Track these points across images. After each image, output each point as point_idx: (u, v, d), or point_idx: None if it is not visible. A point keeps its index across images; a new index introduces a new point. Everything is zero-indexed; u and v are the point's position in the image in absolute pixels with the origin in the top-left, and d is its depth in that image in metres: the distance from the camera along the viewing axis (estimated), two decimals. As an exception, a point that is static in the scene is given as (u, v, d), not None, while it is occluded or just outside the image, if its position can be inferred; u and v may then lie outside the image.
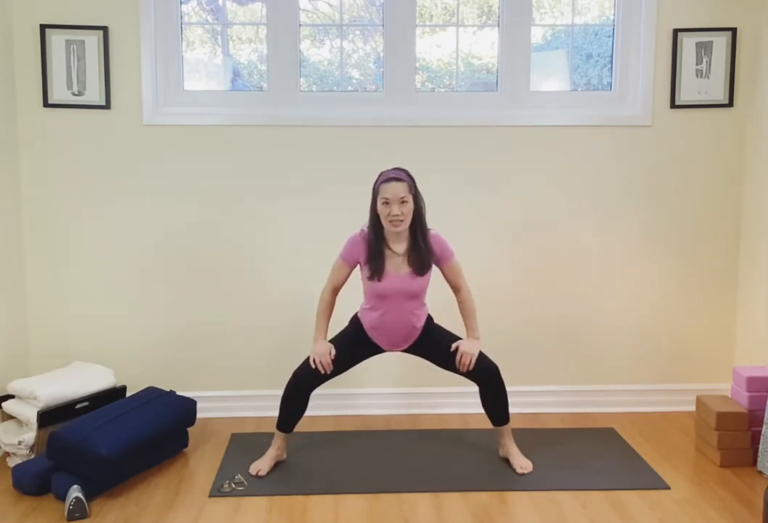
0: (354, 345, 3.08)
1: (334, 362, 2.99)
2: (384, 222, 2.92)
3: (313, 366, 2.97)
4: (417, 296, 3.03)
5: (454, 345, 3.03)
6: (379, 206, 2.91)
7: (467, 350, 3.00)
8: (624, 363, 3.76)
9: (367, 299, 3.06)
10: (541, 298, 3.72)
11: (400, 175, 2.92)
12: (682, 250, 3.71)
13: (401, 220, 2.89)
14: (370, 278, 2.96)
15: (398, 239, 2.98)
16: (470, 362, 2.98)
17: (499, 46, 3.66)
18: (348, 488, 2.92)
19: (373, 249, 2.95)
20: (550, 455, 3.21)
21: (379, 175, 2.97)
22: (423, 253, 2.97)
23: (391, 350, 3.11)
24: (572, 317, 3.73)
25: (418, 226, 2.97)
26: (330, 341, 3.05)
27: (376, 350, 3.10)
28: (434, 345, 3.08)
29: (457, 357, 3.00)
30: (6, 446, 3.09)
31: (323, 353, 2.98)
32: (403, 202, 2.88)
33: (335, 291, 3.06)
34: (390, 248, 2.97)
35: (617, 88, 3.68)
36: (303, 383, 3.02)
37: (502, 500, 2.84)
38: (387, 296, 2.98)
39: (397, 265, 2.97)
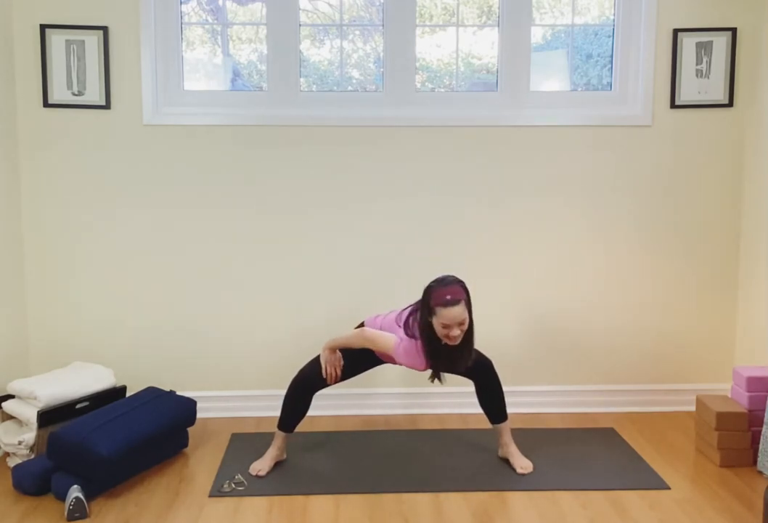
0: (358, 358, 3.07)
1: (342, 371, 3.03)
2: (441, 337, 2.81)
3: (325, 375, 2.99)
4: None
5: None
6: (438, 327, 2.77)
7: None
8: (624, 363, 3.76)
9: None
10: (541, 298, 3.71)
11: (458, 294, 2.77)
12: (682, 250, 3.71)
13: (458, 339, 2.81)
14: (431, 378, 2.96)
15: None
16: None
17: (499, 46, 3.66)
18: (348, 488, 2.92)
19: (436, 360, 2.87)
20: (550, 455, 3.21)
21: (434, 288, 2.80)
22: (461, 360, 2.91)
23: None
24: (572, 317, 3.73)
25: (467, 336, 2.86)
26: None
27: (379, 362, 3.11)
28: None
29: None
30: (6, 446, 3.09)
31: (337, 365, 3.00)
32: (461, 324, 2.78)
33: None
34: None
35: (617, 88, 3.68)
36: (308, 384, 3.03)
37: (502, 500, 2.84)
38: None
39: None
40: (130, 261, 3.60)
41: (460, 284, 2.83)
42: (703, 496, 2.87)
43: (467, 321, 2.81)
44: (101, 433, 2.85)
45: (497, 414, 3.12)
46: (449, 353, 2.87)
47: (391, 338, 2.89)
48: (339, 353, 3.02)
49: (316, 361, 3.03)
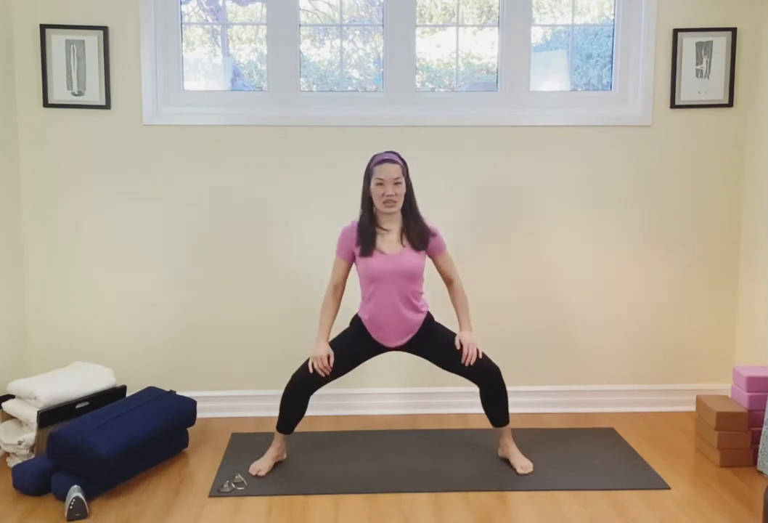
0: (355, 345, 3.07)
1: (333, 365, 2.99)
2: (377, 203, 2.96)
3: (311, 370, 2.97)
4: (414, 277, 3.01)
5: (457, 341, 3.02)
6: (373, 187, 2.95)
7: (471, 341, 3.01)
8: (624, 363, 3.76)
9: (363, 289, 3.05)
10: (541, 297, 3.71)
11: (393, 157, 2.98)
12: (682, 250, 3.71)
13: (394, 201, 2.94)
14: (363, 255, 2.97)
15: (390, 220, 3.01)
16: (475, 352, 2.99)
17: (499, 46, 3.66)
18: (348, 488, 2.92)
19: (364, 229, 2.99)
20: (550, 455, 3.21)
21: (372, 158, 3.02)
22: (418, 231, 3.02)
23: (394, 346, 3.06)
24: (572, 317, 3.73)
25: (408, 207, 3.02)
26: (331, 343, 3.05)
27: (378, 349, 3.08)
28: (435, 344, 3.07)
29: (464, 350, 2.98)
30: (6, 446, 3.09)
31: (321, 357, 2.97)
32: (396, 183, 2.93)
33: (336, 289, 3.07)
34: (382, 228, 3.00)
35: (617, 88, 3.68)
36: (302, 386, 3.02)
37: (502, 500, 2.84)
38: (381, 278, 2.96)
39: (390, 243, 2.99)
40: (130, 261, 3.60)
41: (398, 155, 3.04)
42: (703, 496, 2.87)
43: (403, 184, 2.97)
44: (101, 433, 2.86)
45: (500, 418, 3.11)
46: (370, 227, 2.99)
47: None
48: (327, 346, 3.00)
49: (307, 363, 3.00)
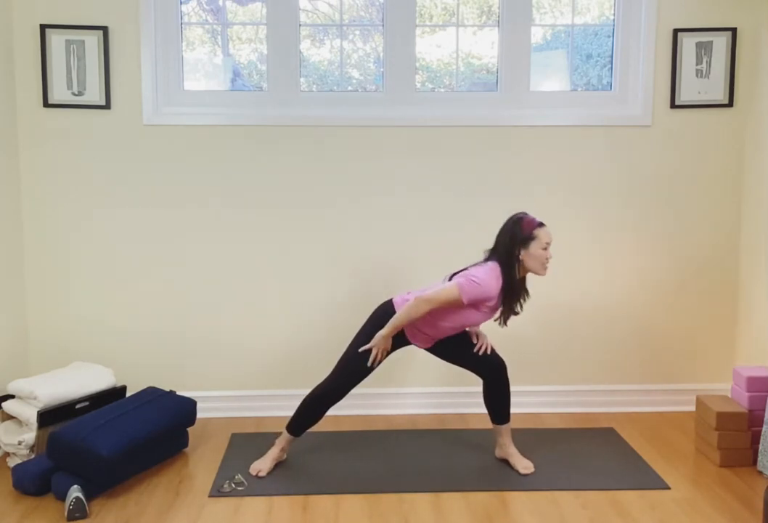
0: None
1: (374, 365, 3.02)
2: (536, 265, 2.91)
3: (372, 361, 2.95)
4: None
5: (473, 334, 3.08)
6: (538, 251, 2.89)
7: (484, 333, 3.09)
8: (623, 363, 3.76)
9: (447, 316, 2.93)
10: (541, 298, 3.70)
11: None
12: (682, 250, 3.71)
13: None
14: (500, 317, 2.99)
15: None
16: (490, 344, 3.08)
17: (499, 46, 3.66)
18: (348, 488, 2.92)
19: (511, 290, 2.93)
20: (550, 455, 3.21)
21: (520, 219, 2.93)
22: (522, 300, 3.02)
23: (422, 346, 3.10)
24: (572, 317, 3.73)
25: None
26: (359, 335, 3.03)
27: (402, 344, 3.08)
28: (450, 340, 3.07)
29: (481, 340, 3.06)
30: (6, 446, 3.09)
31: (385, 349, 2.98)
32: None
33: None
34: None
35: (617, 88, 3.68)
36: (327, 399, 3.01)
37: (502, 500, 2.84)
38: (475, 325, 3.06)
39: None
40: (130, 261, 3.60)
41: None
42: (703, 496, 2.87)
43: None
44: (101, 433, 2.86)
45: (501, 415, 3.11)
46: (519, 290, 2.96)
47: (450, 284, 2.89)
48: (390, 340, 2.99)
49: (336, 376, 3.01)
